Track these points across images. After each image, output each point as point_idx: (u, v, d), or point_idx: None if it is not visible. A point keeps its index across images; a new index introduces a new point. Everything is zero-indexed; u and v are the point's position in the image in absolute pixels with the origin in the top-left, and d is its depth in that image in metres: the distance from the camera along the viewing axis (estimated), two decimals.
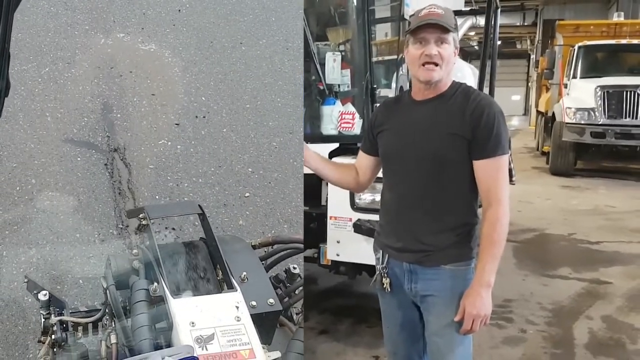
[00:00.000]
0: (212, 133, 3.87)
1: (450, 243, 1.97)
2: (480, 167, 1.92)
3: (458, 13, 6.22)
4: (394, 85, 4.14)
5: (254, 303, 1.70)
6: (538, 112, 14.80)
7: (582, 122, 9.80)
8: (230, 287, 1.72)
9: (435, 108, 1.97)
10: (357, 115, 3.37)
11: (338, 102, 3.42)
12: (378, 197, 3.09)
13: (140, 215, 1.91)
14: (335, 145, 3.40)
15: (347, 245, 3.26)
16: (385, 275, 2.09)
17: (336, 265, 3.46)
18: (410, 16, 2.09)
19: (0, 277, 3.06)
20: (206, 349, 1.50)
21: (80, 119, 3.81)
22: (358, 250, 3.17)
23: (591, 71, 10.67)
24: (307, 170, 2.37)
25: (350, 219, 3.22)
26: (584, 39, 11.39)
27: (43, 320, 1.96)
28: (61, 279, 3.01)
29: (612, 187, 9.61)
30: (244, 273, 1.78)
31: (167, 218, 2.20)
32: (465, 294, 1.93)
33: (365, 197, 3.21)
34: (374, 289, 2.19)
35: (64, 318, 1.94)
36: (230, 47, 4.40)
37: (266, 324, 1.71)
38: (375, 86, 3.44)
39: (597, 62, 11.09)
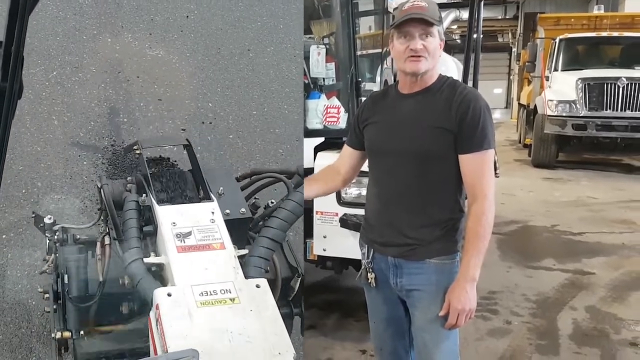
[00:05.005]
0: (219, 139, 3.90)
1: (435, 237, 1.96)
2: (466, 161, 1.91)
3: (441, 6, 6.23)
4: (378, 78, 4.14)
5: (228, 211, 2.01)
6: (520, 105, 14.91)
7: (564, 114, 9.89)
8: (208, 199, 2.02)
9: (421, 101, 1.96)
10: (342, 109, 3.35)
11: (323, 96, 3.40)
12: (364, 192, 3.08)
13: (135, 147, 2.27)
14: (321, 139, 3.38)
15: (334, 240, 3.25)
16: (371, 270, 2.08)
17: (323, 260, 3.44)
18: (394, 9, 2.07)
19: (5, 279, 3.06)
20: (184, 242, 1.79)
21: (87, 122, 3.82)
22: (344, 244, 3.16)
23: (572, 64, 10.77)
24: None
25: (337, 214, 3.21)
26: (564, 32, 11.47)
27: (48, 242, 2.31)
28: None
29: (593, 179, 9.73)
30: (221, 189, 2.10)
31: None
32: (450, 288, 1.92)
33: (351, 192, 3.20)
34: (359, 284, 2.19)
35: (65, 225, 2.30)
36: (238, 53, 4.42)
37: (238, 229, 2.01)
38: (360, 79, 3.43)
39: (578, 55, 11.19)
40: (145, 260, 1.80)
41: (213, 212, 1.92)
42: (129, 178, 2.17)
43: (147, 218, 2.00)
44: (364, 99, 3.36)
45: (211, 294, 1.59)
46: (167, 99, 4.05)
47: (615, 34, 11.07)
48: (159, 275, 1.80)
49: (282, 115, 4.08)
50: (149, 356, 1.60)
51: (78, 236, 2.22)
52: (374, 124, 2.06)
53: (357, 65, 3.43)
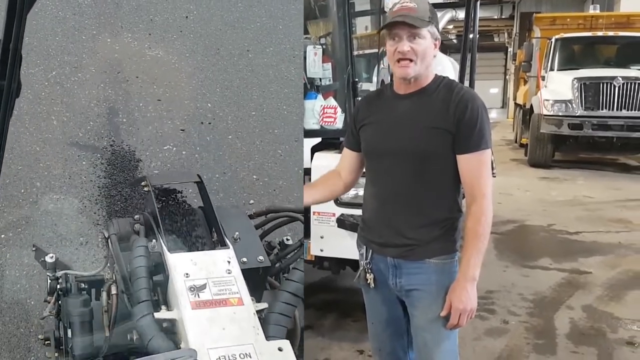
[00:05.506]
0: (218, 139, 3.89)
1: (433, 237, 1.96)
2: (464, 161, 1.91)
3: (437, 6, 6.23)
4: (375, 79, 4.14)
5: (244, 259, 1.86)
6: (516, 104, 14.96)
7: (560, 114, 9.91)
8: (223, 245, 1.86)
9: (417, 102, 1.96)
10: (339, 110, 3.35)
11: (320, 96, 3.40)
12: (361, 192, 3.06)
13: (142, 183, 2.09)
14: (318, 140, 3.38)
15: (331, 241, 3.24)
16: (370, 270, 2.07)
17: (320, 260, 3.44)
18: (390, 9, 2.07)
19: (4, 279, 3.06)
20: (198, 297, 1.63)
21: (86, 122, 3.81)
22: (342, 245, 3.16)
23: (568, 63, 10.79)
24: None
25: (334, 214, 3.21)
26: (560, 32, 11.51)
27: (49, 281, 2.15)
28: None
29: (590, 178, 9.75)
30: (237, 233, 1.96)
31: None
32: (451, 288, 1.92)
33: (348, 193, 3.19)
34: (358, 285, 2.18)
35: (69, 272, 2.14)
36: (237, 54, 4.41)
37: (256, 279, 1.87)
38: (356, 80, 3.43)
39: (574, 55, 11.22)
40: (156, 315, 1.65)
41: (229, 261, 1.76)
42: (136, 216, 2.03)
43: (156, 263, 1.84)
44: (360, 99, 3.37)
45: (230, 359, 1.47)
46: (166, 99, 4.04)
47: (611, 33, 11.11)
48: (171, 331, 1.66)
49: (281, 116, 4.08)
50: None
51: (83, 284, 2.10)
52: (369, 125, 2.05)
53: (354, 65, 3.42)
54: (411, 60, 1.88)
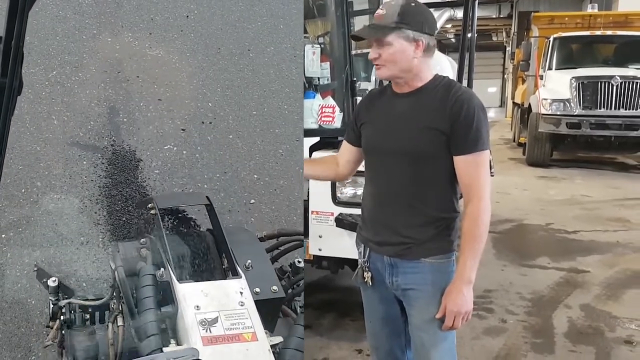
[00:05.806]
0: (218, 139, 3.88)
1: (429, 236, 1.95)
2: (461, 162, 1.90)
3: (435, 5, 6.23)
4: (373, 77, 4.14)
5: (257, 290, 1.78)
6: (514, 103, 14.96)
7: (558, 113, 9.92)
8: (235, 275, 1.78)
9: (415, 101, 1.95)
10: (337, 109, 3.35)
11: (318, 96, 3.40)
12: (360, 191, 3.10)
13: (149, 206, 2.00)
14: (316, 139, 3.38)
15: (329, 240, 3.25)
16: (367, 269, 2.08)
17: (318, 260, 3.44)
18: None
19: (4, 279, 3.06)
20: (210, 331, 1.55)
21: (87, 122, 3.81)
22: (340, 244, 3.16)
23: (566, 62, 10.80)
24: None
25: (332, 214, 3.21)
26: (558, 31, 11.51)
27: (52, 305, 2.08)
28: (65, 281, 3.04)
29: (588, 177, 9.76)
30: (249, 261, 1.88)
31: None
32: (447, 291, 1.92)
33: (346, 191, 3.20)
34: (355, 283, 2.18)
35: (73, 300, 2.04)
36: (238, 53, 4.41)
37: (269, 310, 1.78)
38: (355, 79, 3.43)
39: (572, 54, 11.22)
40: (165, 350, 1.57)
41: (242, 292, 1.68)
42: (142, 240, 1.95)
43: (164, 293, 1.75)
44: (359, 98, 3.37)
45: None
46: (167, 99, 4.04)
47: (609, 32, 11.12)
48: None
49: (282, 116, 4.09)
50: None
51: (87, 315, 2.02)
52: (369, 123, 2.06)
53: (352, 64, 3.42)
54: (379, 65, 1.93)
